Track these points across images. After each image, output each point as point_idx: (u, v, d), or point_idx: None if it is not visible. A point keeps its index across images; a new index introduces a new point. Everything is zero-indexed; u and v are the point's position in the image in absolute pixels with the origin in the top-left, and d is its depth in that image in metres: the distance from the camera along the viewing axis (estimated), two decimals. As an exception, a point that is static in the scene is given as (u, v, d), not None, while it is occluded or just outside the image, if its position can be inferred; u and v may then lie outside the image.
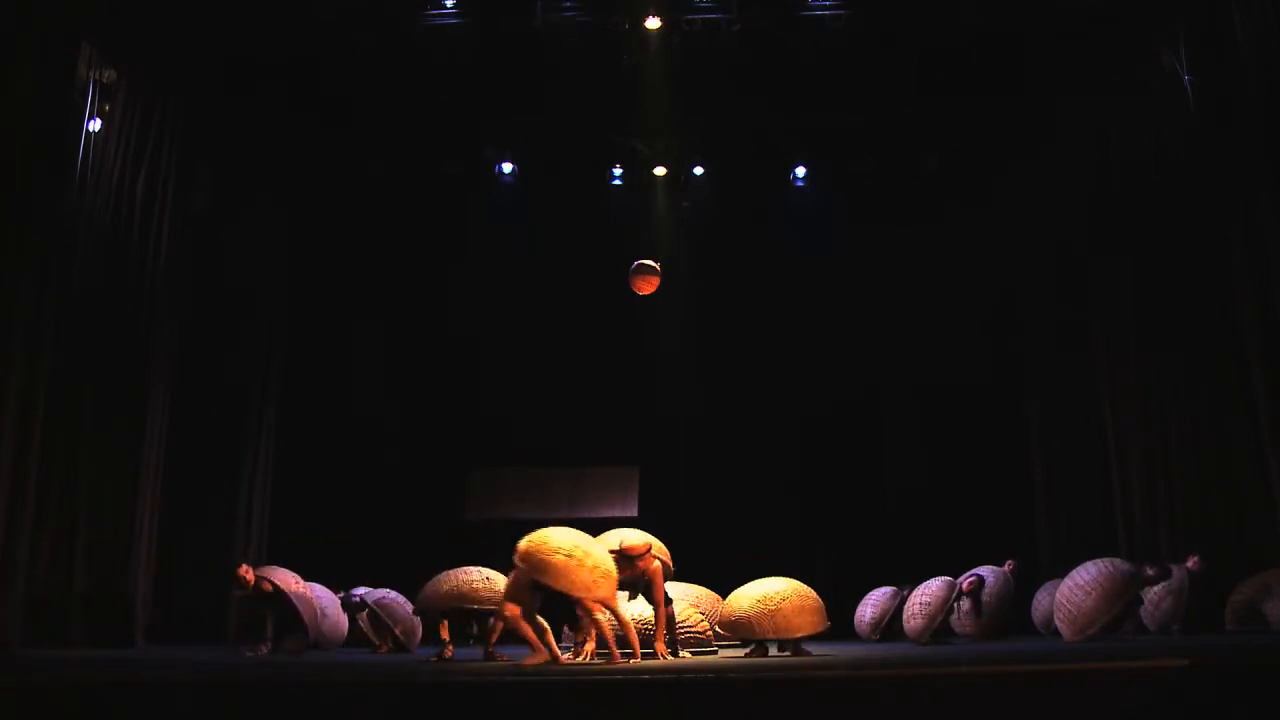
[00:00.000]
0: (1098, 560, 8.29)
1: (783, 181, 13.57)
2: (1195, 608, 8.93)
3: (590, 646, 6.68)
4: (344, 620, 9.49)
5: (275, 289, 12.72)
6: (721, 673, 4.49)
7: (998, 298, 13.42)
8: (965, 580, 9.37)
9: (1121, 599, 8.05)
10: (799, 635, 7.18)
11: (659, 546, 7.03)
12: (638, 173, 13.44)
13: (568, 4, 10.51)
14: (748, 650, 7.58)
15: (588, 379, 13.36)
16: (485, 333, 13.61)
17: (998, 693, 4.24)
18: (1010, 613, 9.71)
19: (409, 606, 8.69)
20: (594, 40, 10.74)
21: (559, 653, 6.31)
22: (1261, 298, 8.59)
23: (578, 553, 6.10)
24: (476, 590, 7.53)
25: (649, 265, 8.14)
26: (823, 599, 7.44)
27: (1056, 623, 8.46)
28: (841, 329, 13.50)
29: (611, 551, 6.56)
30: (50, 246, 8.76)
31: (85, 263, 9.76)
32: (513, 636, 6.94)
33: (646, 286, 8.19)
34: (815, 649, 7.52)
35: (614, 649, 6.13)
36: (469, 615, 7.81)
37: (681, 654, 7.17)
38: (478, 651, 7.91)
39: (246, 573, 8.38)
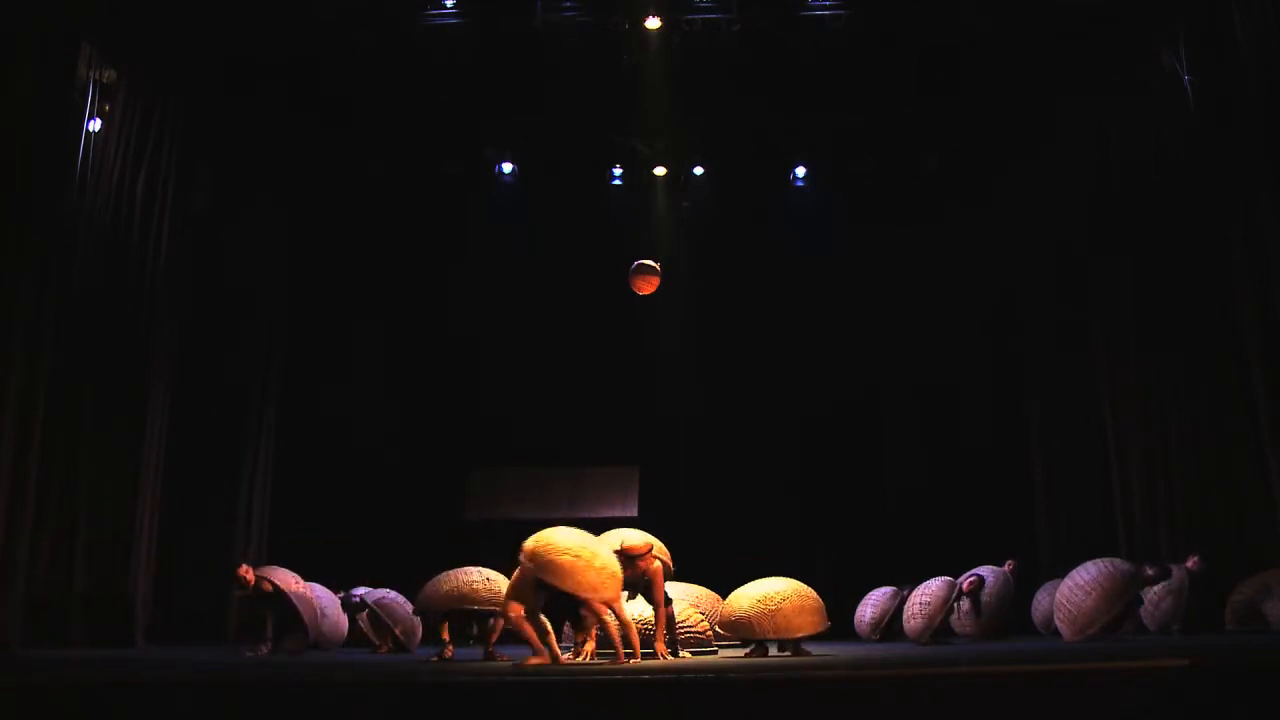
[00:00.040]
0: (1098, 560, 8.29)
1: (783, 181, 13.58)
2: (1195, 608, 8.93)
3: (590, 646, 6.68)
4: (344, 620, 9.48)
5: (275, 289, 12.72)
6: (721, 673, 4.49)
7: (998, 298, 13.42)
8: (965, 580, 9.36)
9: (1121, 599, 8.04)
10: (799, 635, 7.18)
11: (659, 546, 7.03)
12: (638, 173, 13.44)
13: (568, 4, 10.51)
14: (748, 650, 7.58)
15: (588, 379, 13.36)
16: (485, 333, 13.61)
17: (998, 693, 4.24)
18: (1010, 613, 9.71)
19: (409, 606, 8.69)
20: (594, 40, 10.74)
21: (559, 653, 6.31)
22: (1261, 298, 8.60)
23: (585, 553, 6.10)
24: (476, 591, 7.53)
25: (649, 265, 8.14)
26: (823, 599, 7.44)
27: (1056, 623, 8.46)
28: (841, 329, 13.50)
29: (613, 551, 6.56)
30: (50, 246, 8.76)
31: (85, 263, 9.76)
32: (513, 636, 6.94)
33: (646, 286, 8.19)
34: (815, 649, 7.51)
35: (620, 649, 6.12)
36: (469, 616, 7.80)
37: (681, 654, 7.17)
38: (478, 651, 7.92)
39: (246, 573, 8.38)
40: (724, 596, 7.92)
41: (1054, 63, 11.04)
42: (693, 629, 7.72)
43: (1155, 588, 8.82)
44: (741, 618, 7.24)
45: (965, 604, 9.44)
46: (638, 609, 7.16)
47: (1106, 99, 11.27)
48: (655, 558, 6.85)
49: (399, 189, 13.44)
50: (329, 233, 13.45)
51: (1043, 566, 11.56)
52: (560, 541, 6.10)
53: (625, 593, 6.85)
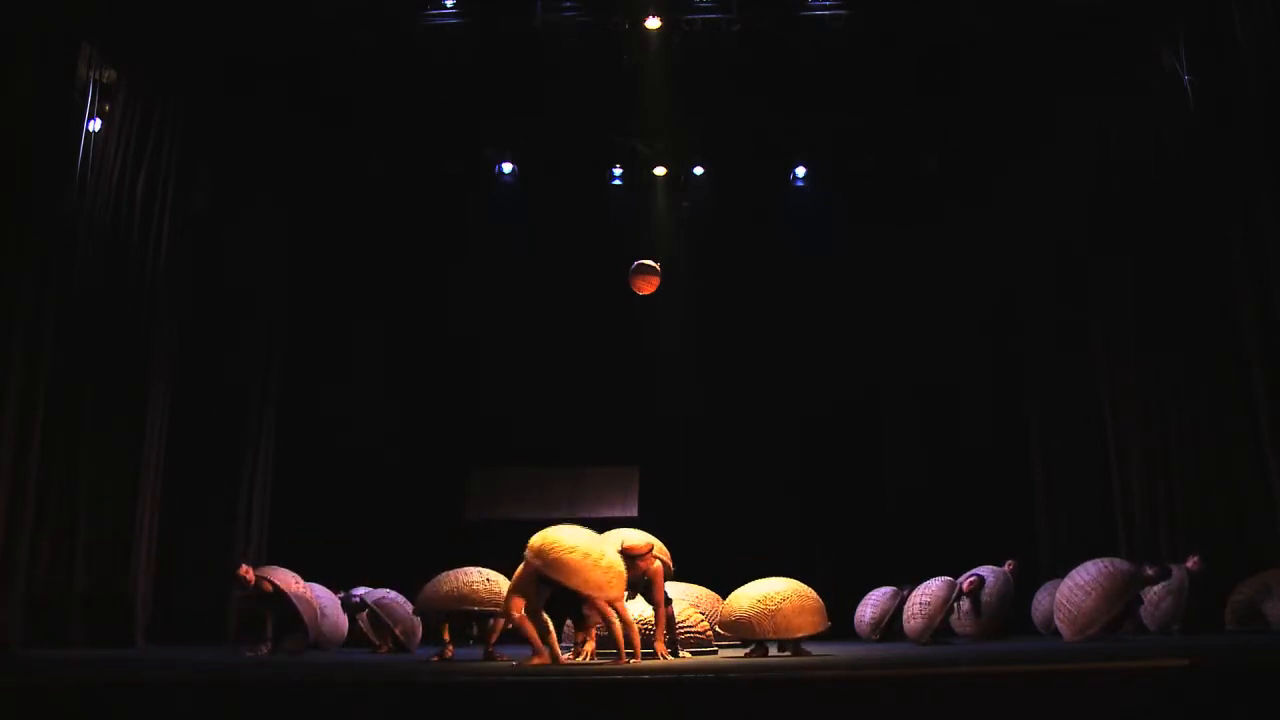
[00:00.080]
0: (1098, 560, 8.29)
1: (783, 181, 13.57)
2: (1195, 608, 8.92)
3: (590, 646, 6.68)
4: (344, 620, 9.48)
5: (275, 289, 12.72)
6: (721, 673, 4.49)
7: (998, 298, 13.42)
8: (965, 580, 9.36)
9: (1121, 599, 8.05)
10: (799, 635, 7.18)
11: (659, 547, 7.03)
12: (638, 173, 13.44)
13: (568, 4, 10.51)
14: (748, 650, 7.58)
15: (588, 379, 13.36)
16: (485, 333, 13.61)
17: (998, 693, 4.24)
18: (1010, 613, 9.71)
19: (409, 606, 8.68)
20: (594, 40, 10.74)
21: (560, 653, 6.31)
22: (1261, 298, 8.59)
23: (594, 552, 6.11)
24: (477, 592, 7.51)
25: (649, 265, 8.13)
26: (823, 599, 7.44)
27: (1056, 623, 8.46)
28: (841, 329, 13.49)
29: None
30: (50, 246, 8.76)
31: (85, 263, 9.76)
32: (513, 636, 6.93)
33: (646, 286, 8.18)
34: (815, 649, 7.51)
35: (621, 649, 6.12)
36: (469, 616, 7.80)
37: (681, 654, 7.17)
38: (478, 651, 7.92)
39: (247, 573, 8.38)
40: (724, 596, 7.92)
41: (1054, 63, 11.04)
42: (693, 629, 7.72)
43: (1155, 588, 8.82)
44: (741, 618, 7.24)
45: (965, 604, 9.43)
46: (638, 609, 7.15)
47: (1106, 99, 11.26)
48: (655, 558, 6.85)
49: (399, 189, 13.44)
50: (329, 233, 13.45)
51: (1043, 566, 11.56)
52: (567, 539, 6.10)
53: (625, 592, 6.85)
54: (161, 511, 10.48)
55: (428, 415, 13.53)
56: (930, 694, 4.24)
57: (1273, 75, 8.29)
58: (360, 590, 9.25)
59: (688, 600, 8.33)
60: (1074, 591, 8.09)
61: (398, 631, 8.93)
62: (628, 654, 6.17)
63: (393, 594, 9.04)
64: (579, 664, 6.35)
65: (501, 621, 7.68)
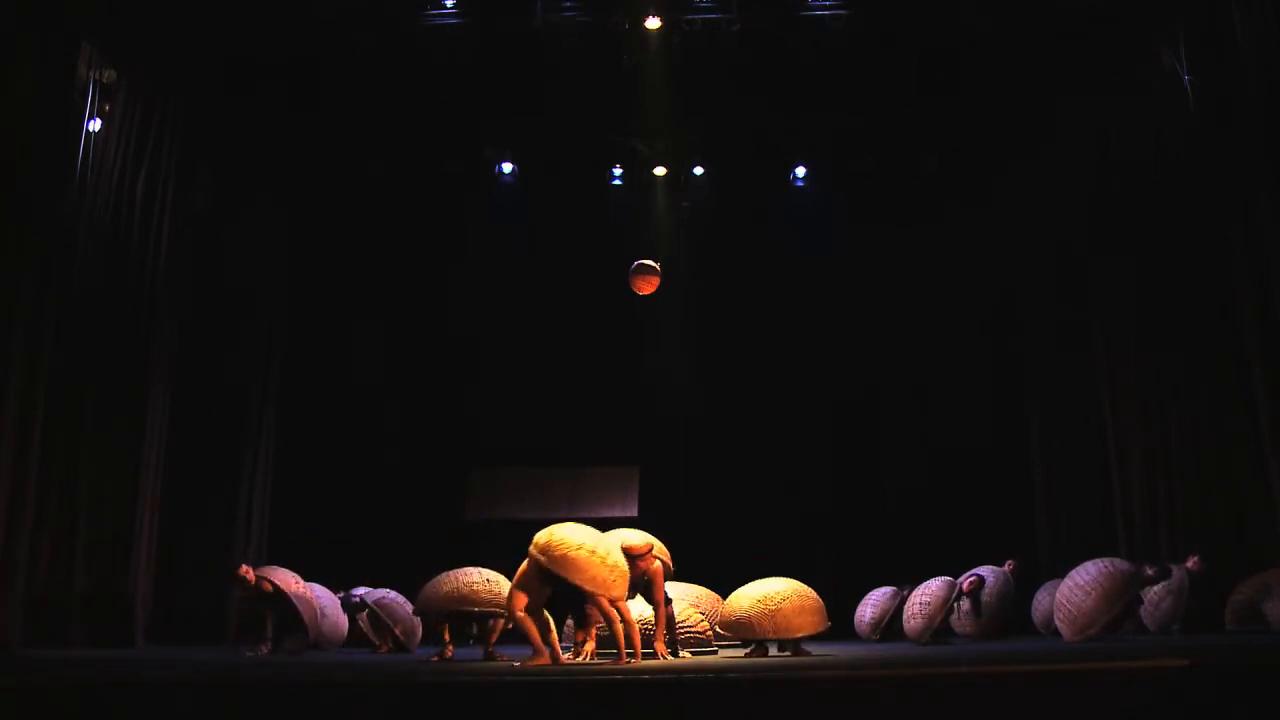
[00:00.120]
0: (1098, 560, 8.29)
1: (783, 181, 13.57)
2: (1195, 608, 8.92)
3: (590, 646, 6.68)
4: (344, 620, 9.48)
5: (275, 289, 12.72)
6: (721, 673, 4.49)
7: (998, 298, 13.42)
8: (965, 580, 9.36)
9: (1121, 599, 8.05)
10: (799, 635, 7.18)
11: (659, 547, 7.03)
12: (638, 173, 13.43)
13: (568, 4, 10.51)
14: (748, 650, 7.58)
15: (588, 379, 13.36)
16: (485, 333, 13.61)
17: (998, 693, 4.24)
18: (1010, 613, 9.71)
19: (409, 606, 8.68)
20: (594, 40, 10.74)
21: (560, 652, 6.31)
22: (1261, 298, 8.59)
23: (600, 550, 6.12)
24: (476, 593, 7.51)
25: (649, 265, 8.13)
26: (823, 599, 7.44)
27: (1056, 623, 8.46)
28: (841, 329, 13.49)
29: (615, 551, 6.56)
30: (50, 246, 8.76)
31: (85, 263, 9.76)
32: (513, 636, 6.93)
33: (646, 286, 8.18)
34: (815, 649, 7.52)
35: (622, 649, 6.12)
36: (469, 617, 7.80)
37: (681, 654, 7.17)
38: (478, 651, 7.92)
39: (247, 573, 8.38)
40: (724, 596, 7.92)
41: (1054, 63, 11.04)
42: (693, 629, 7.73)
43: (1155, 588, 8.82)
44: (741, 618, 7.24)
45: (965, 604, 9.43)
46: (638, 609, 7.16)
47: (1106, 99, 11.26)
48: (655, 558, 6.84)
49: (399, 189, 13.43)
50: (329, 233, 13.45)
51: (1043, 566, 11.56)
52: (573, 537, 6.11)
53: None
54: (161, 511, 10.48)
55: (428, 415, 13.53)
56: (930, 694, 4.24)
57: (1273, 75, 8.29)
58: (360, 590, 9.25)
59: (688, 600, 8.34)
60: (1074, 591, 8.09)
61: (398, 631, 8.93)
62: (628, 654, 6.17)
63: (393, 594, 9.04)
64: (579, 664, 6.35)
65: (501, 621, 7.69)
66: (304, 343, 13.13)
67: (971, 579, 9.41)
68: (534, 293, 13.57)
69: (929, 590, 8.90)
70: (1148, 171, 10.65)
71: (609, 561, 6.12)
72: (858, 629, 10.04)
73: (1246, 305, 8.90)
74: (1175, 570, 8.92)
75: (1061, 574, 8.97)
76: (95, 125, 9.93)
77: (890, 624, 9.55)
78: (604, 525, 7.57)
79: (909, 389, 13.68)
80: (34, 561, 8.77)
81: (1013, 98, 11.80)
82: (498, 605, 7.37)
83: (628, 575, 6.30)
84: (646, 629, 6.90)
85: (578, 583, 5.99)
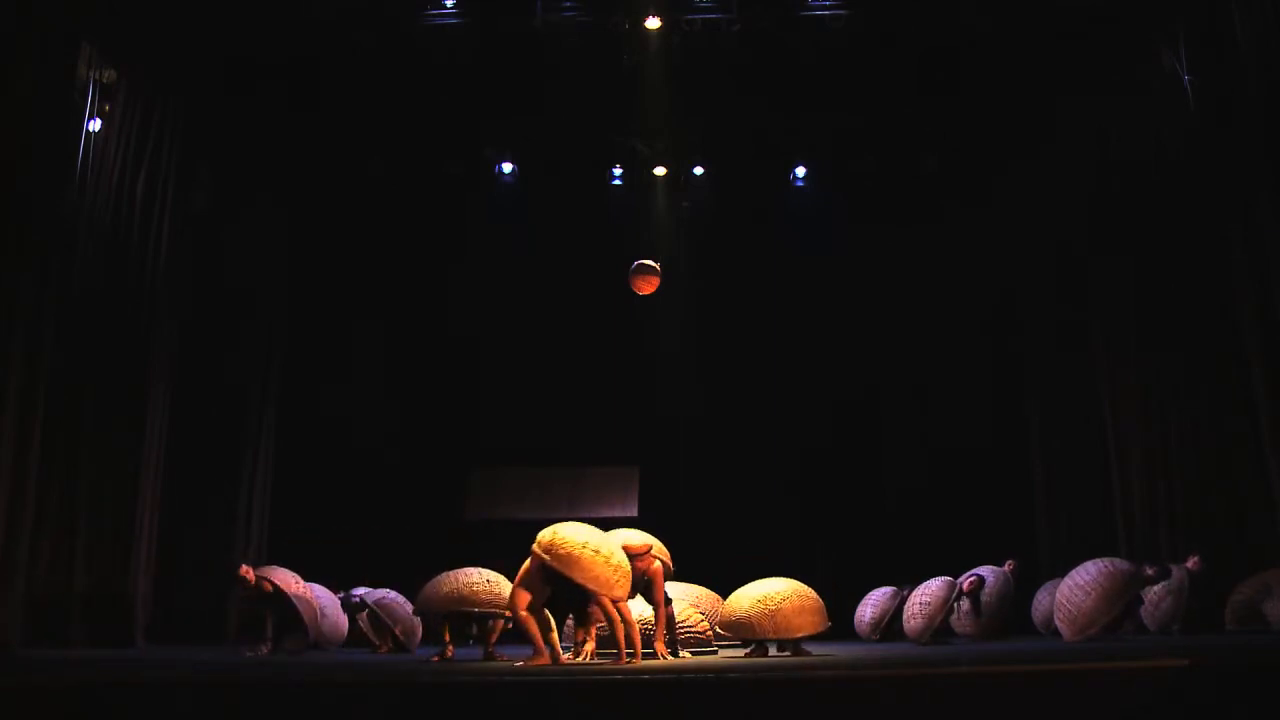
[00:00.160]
0: (1098, 560, 8.29)
1: (783, 181, 13.57)
2: (1195, 608, 8.92)
3: (590, 646, 6.68)
4: (344, 620, 9.48)
5: (275, 289, 12.72)
6: (721, 673, 4.48)
7: (998, 298, 13.42)
8: (965, 580, 9.36)
9: (1121, 599, 8.05)
10: (799, 635, 7.18)
11: (659, 546, 7.03)
12: (638, 173, 13.43)
13: (568, 4, 10.51)
14: (748, 650, 7.58)
15: (588, 379, 13.36)
16: (485, 333, 13.61)
17: (998, 693, 4.24)
18: (1010, 613, 9.71)
19: (409, 606, 8.68)
20: (594, 40, 10.74)
21: (560, 652, 6.30)
22: (1261, 298, 8.59)
23: (604, 549, 6.12)
24: (476, 593, 7.49)
25: (649, 265, 8.13)
26: (823, 599, 7.44)
27: (1056, 623, 8.46)
28: (841, 329, 13.49)
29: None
30: (50, 246, 8.75)
31: (85, 263, 9.76)
32: (513, 636, 6.93)
33: (646, 286, 8.18)
34: (815, 649, 7.52)
35: (623, 649, 6.12)
36: (469, 617, 7.79)
37: (681, 654, 7.17)
38: (478, 651, 7.92)
39: (247, 573, 8.38)
40: (724, 596, 7.92)
41: (1054, 63, 11.04)
42: (693, 629, 7.73)
43: (1155, 588, 8.82)
44: (741, 618, 7.24)
45: (965, 604, 9.43)
46: (638, 609, 7.16)
47: (1106, 99, 11.26)
48: (655, 558, 6.84)
49: (399, 189, 13.43)
50: (329, 233, 13.45)
51: (1043, 566, 11.56)
52: (577, 536, 6.11)
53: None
54: (161, 511, 10.48)
55: (428, 415, 13.53)
56: (930, 694, 4.24)
57: (1273, 75, 8.29)
58: (360, 590, 9.25)
59: (688, 600, 8.34)
60: (1074, 591, 8.09)
61: (398, 631, 8.93)
62: (628, 654, 6.17)
63: (393, 594, 9.04)
64: (579, 664, 6.35)
65: (501, 622, 7.69)
66: (304, 343, 13.13)
67: (971, 579, 9.41)
68: (534, 293, 13.57)
69: (929, 590, 8.91)
70: (1148, 171, 10.65)
71: (613, 561, 6.12)
72: (858, 629, 10.04)
73: (1246, 305, 8.90)
74: (1175, 570, 8.92)
75: (1061, 574, 8.97)
76: (95, 125, 9.93)
77: (890, 624, 9.55)
78: (604, 525, 7.57)
79: (909, 389, 13.68)
80: (34, 561, 8.77)
81: (1013, 98, 11.80)
82: (498, 605, 7.37)
83: (630, 576, 6.30)
84: (646, 629, 6.90)
85: (581, 582, 5.99)
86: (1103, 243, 11.54)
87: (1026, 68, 11.19)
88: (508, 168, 13.27)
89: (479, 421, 13.48)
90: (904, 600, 9.29)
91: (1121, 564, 8.29)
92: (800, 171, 13.49)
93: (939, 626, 8.85)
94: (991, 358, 13.35)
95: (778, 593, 7.25)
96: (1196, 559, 9.05)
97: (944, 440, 13.20)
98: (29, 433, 8.36)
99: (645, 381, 13.36)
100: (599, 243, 12.88)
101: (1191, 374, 10.13)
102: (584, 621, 6.73)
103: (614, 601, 6.12)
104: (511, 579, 6.42)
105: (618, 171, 13.44)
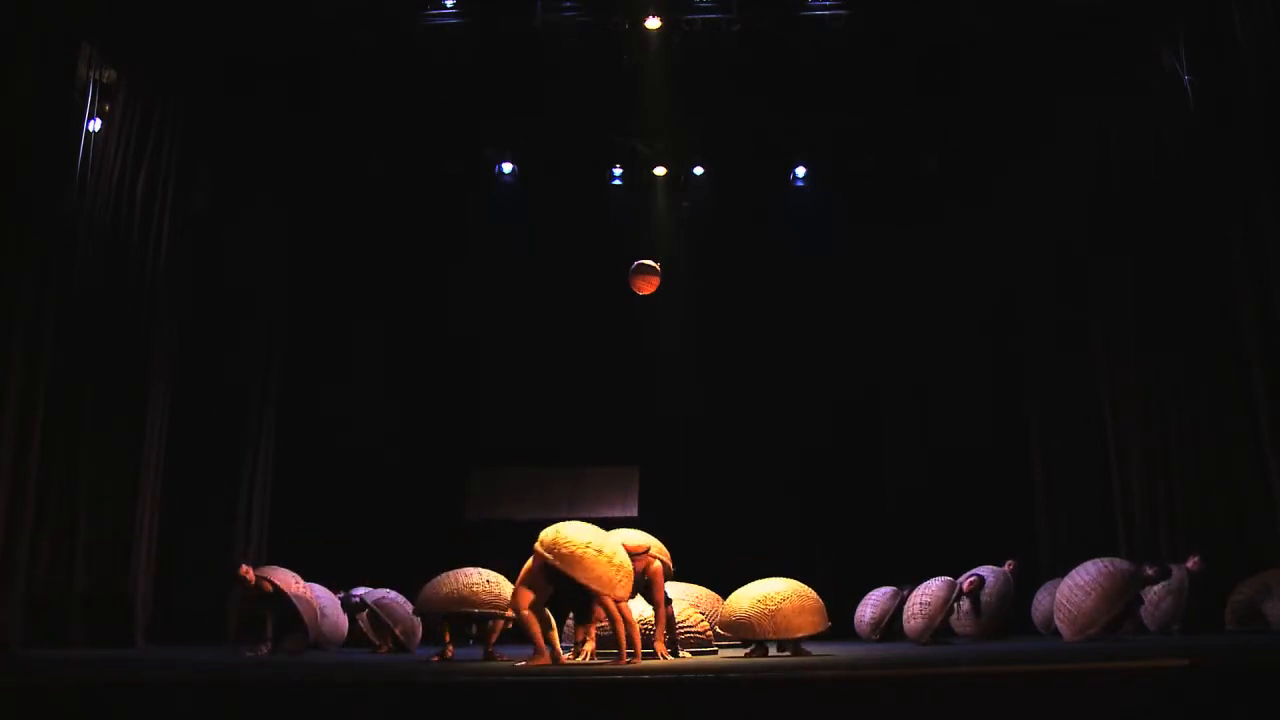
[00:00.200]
0: (1098, 560, 8.29)
1: (783, 181, 13.57)
2: (1195, 608, 8.92)
3: (590, 646, 6.68)
4: (344, 620, 9.49)
5: (275, 289, 12.72)
6: (721, 673, 4.49)
7: (998, 298, 13.42)
8: (965, 580, 9.36)
9: (1121, 599, 8.05)
10: (799, 635, 7.18)
11: (659, 547, 7.03)
12: (638, 173, 13.43)
13: (568, 4, 10.51)
14: (748, 650, 7.58)
15: (588, 379, 13.36)
16: (485, 333, 13.61)
17: (998, 693, 4.24)
18: (1010, 613, 9.71)
19: (409, 606, 8.68)
20: (594, 40, 10.74)
21: (560, 651, 6.30)
22: (1261, 298, 8.59)
23: (607, 549, 6.13)
24: (476, 593, 7.49)
25: (649, 265, 8.13)
26: (823, 599, 7.44)
27: (1056, 623, 8.46)
28: (841, 329, 13.49)
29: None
30: (50, 246, 8.76)
31: (85, 263, 9.76)
32: (512, 636, 6.93)
33: (646, 286, 8.18)
34: (815, 649, 7.52)
35: (623, 649, 6.12)
36: (469, 618, 7.79)
37: (681, 654, 7.17)
38: (478, 651, 7.91)
39: (247, 573, 8.38)
40: (724, 596, 7.92)
41: (1054, 63, 11.04)
42: (693, 629, 7.72)
43: (1155, 588, 8.82)
44: (741, 618, 7.24)
45: (965, 604, 9.43)
46: (638, 609, 7.16)
47: (1106, 99, 11.26)
48: (655, 558, 6.85)
49: (399, 189, 13.43)
50: (329, 233, 13.45)
51: (1043, 566, 11.56)
52: (580, 536, 6.12)
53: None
54: (161, 511, 10.48)
55: (428, 415, 13.53)
56: (930, 694, 4.24)
57: (1273, 75, 8.29)
58: (360, 590, 9.25)
59: (688, 600, 8.34)
60: (1074, 591, 8.09)
61: (398, 631, 8.93)
62: (628, 654, 6.17)
63: (393, 594, 9.04)
64: (579, 664, 6.35)
65: (501, 622, 7.69)
66: (304, 343, 13.13)
67: (971, 579, 9.41)
68: (534, 293, 13.57)
69: (929, 590, 8.91)
70: (1148, 171, 10.65)
71: (615, 561, 6.12)
72: (858, 629, 10.04)
73: (1246, 305, 8.90)
74: (1175, 570, 8.92)
75: (1061, 574, 8.97)
76: (95, 125, 9.93)
77: (890, 624, 9.55)
78: (604, 525, 7.57)
79: (909, 389, 13.68)
80: (34, 561, 8.77)
81: (1013, 98, 11.80)
82: (498, 606, 7.37)
83: (632, 576, 6.31)
84: (646, 629, 6.90)
85: (584, 581, 5.99)
86: (1103, 243, 11.54)
87: (1026, 68, 11.19)
88: (508, 168, 13.27)
89: (479, 421, 13.48)
90: (904, 600, 9.29)
91: (1121, 564, 8.29)
92: (800, 171, 13.49)
93: (939, 626, 8.85)
94: (991, 358, 13.35)
95: (778, 593, 7.25)
96: (1196, 559, 9.05)
97: (944, 440, 13.21)
98: (29, 433, 8.36)
99: (645, 381, 13.36)
100: (599, 243, 12.88)
101: (1191, 374, 10.13)
102: (584, 621, 6.72)
103: (616, 601, 6.12)
104: (512, 579, 6.42)
105: (618, 171, 13.43)
